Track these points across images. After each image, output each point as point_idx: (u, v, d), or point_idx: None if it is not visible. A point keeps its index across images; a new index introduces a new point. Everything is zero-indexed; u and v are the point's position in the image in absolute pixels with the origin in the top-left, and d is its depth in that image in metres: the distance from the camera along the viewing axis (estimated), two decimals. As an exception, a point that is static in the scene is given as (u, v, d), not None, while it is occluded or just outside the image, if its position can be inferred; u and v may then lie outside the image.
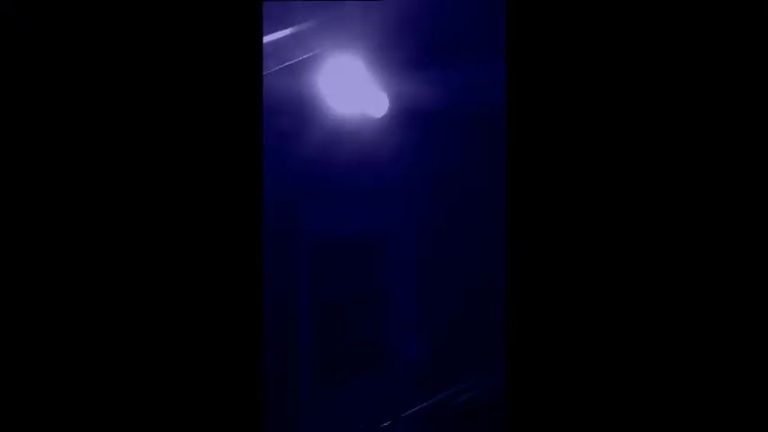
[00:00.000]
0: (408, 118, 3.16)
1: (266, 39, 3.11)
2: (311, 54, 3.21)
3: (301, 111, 3.15)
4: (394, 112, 3.24)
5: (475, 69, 2.99)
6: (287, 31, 3.17)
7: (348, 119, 3.19)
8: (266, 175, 3.06)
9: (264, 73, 3.10)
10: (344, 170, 3.14)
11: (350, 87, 3.29)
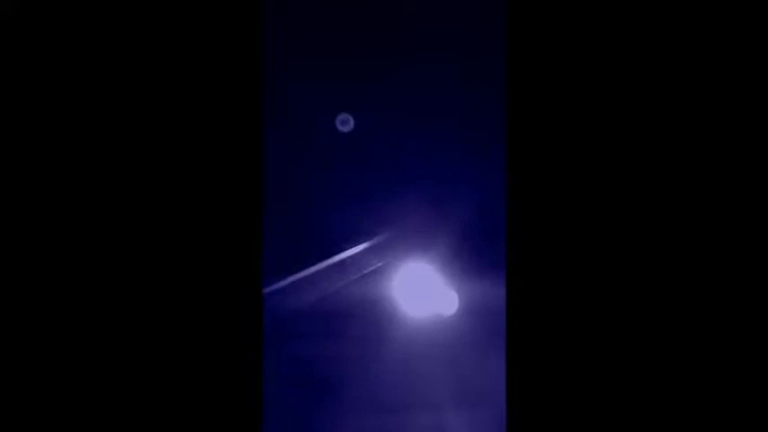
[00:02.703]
0: (478, 315, 3.42)
1: (345, 253, 3.40)
2: (385, 262, 3.49)
3: (375, 315, 3.44)
4: (463, 310, 3.49)
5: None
6: (364, 245, 3.45)
7: (419, 319, 3.47)
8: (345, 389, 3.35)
9: (342, 282, 3.38)
10: (416, 371, 3.42)
11: (421, 290, 3.56)
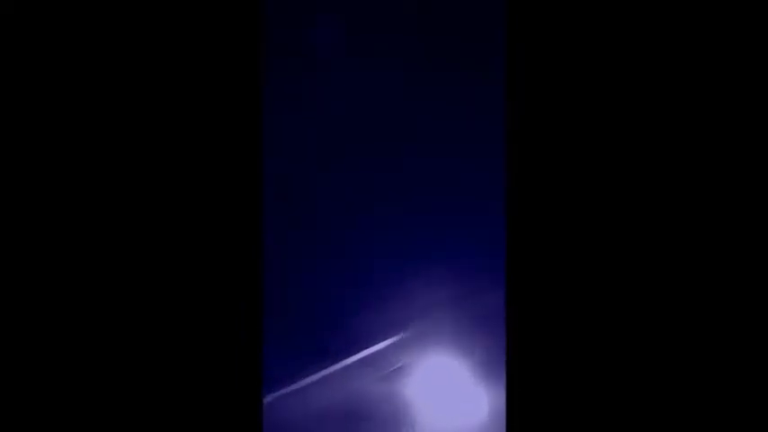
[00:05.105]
0: (500, 418, 3.25)
1: (364, 352, 3.36)
2: (404, 363, 3.41)
3: (394, 418, 3.35)
4: (486, 412, 3.34)
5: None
6: (382, 344, 3.39)
7: (440, 422, 3.34)
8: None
9: (361, 383, 3.32)
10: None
11: (441, 391, 3.44)
